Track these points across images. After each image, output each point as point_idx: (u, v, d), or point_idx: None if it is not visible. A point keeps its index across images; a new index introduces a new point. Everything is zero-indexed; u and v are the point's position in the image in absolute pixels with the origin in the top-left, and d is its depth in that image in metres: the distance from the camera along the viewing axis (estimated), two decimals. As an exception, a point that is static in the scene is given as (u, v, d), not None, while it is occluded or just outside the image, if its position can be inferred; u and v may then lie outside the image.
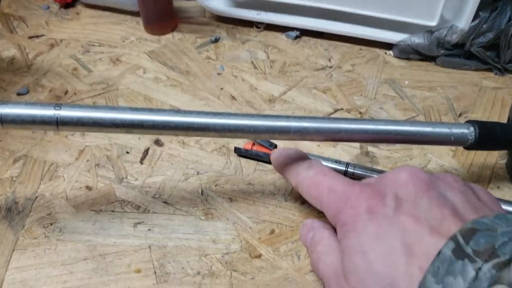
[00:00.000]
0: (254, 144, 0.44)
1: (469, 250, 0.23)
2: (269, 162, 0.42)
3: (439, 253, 0.24)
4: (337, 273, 0.29)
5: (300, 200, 0.41)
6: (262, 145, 0.44)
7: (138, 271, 0.36)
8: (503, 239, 0.23)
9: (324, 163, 0.41)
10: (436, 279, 0.23)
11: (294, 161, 0.36)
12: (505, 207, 0.38)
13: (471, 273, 0.23)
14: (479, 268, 0.23)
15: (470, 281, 0.22)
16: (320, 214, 0.34)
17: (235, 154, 0.44)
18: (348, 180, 0.31)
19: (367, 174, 0.40)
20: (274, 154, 0.38)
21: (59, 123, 0.30)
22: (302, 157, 0.36)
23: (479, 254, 0.23)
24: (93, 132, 0.32)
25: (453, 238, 0.24)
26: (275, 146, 0.44)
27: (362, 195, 0.29)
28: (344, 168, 0.41)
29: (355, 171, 0.41)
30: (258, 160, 0.44)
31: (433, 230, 0.26)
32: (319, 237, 0.32)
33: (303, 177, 0.34)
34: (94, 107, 0.31)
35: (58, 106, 0.30)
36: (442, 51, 0.54)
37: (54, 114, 0.30)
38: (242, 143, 0.45)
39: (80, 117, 0.30)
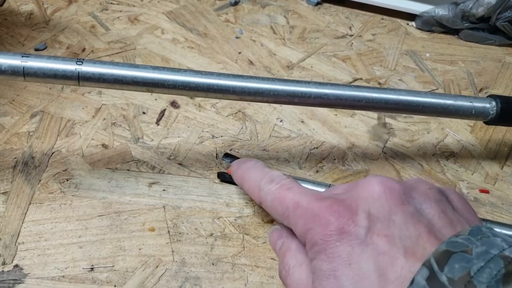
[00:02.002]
0: None
1: (443, 278, 0.22)
2: None
3: (412, 281, 0.23)
4: None
5: (314, 168, 0.41)
6: None
7: (152, 229, 0.36)
8: (478, 263, 0.22)
9: (316, 188, 0.37)
10: None
11: (255, 174, 0.33)
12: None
13: None
14: None
15: None
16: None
17: (251, 120, 0.44)
18: (314, 194, 0.29)
19: None
20: (233, 167, 0.36)
21: (80, 78, 0.30)
22: (263, 169, 0.34)
23: (454, 283, 0.22)
24: (114, 89, 0.32)
25: (427, 264, 0.23)
26: None
27: (332, 213, 0.27)
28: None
29: None
30: None
31: (407, 251, 0.24)
32: (287, 247, 0.31)
33: (266, 192, 0.31)
34: (116, 64, 0.31)
35: (80, 61, 0.30)
36: (466, 24, 0.53)
37: (76, 69, 0.30)
38: (229, 161, 0.40)
39: (101, 73, 0.30)
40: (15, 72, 0.29)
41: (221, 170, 0.40)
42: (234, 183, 0.38)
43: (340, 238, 0.26)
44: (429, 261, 0.23)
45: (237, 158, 0.40)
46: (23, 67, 0.29)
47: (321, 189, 0.36)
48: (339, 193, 0.29)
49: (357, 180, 0.30)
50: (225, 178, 0.40)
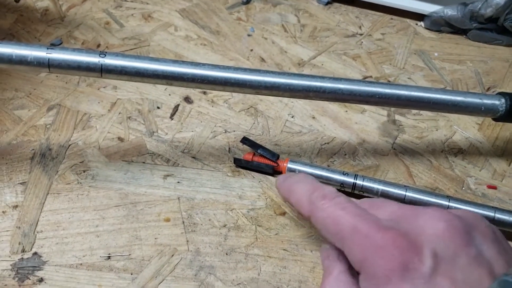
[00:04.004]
0: (254, 154, 0.41)
1: None
2: (271, 174, 0.41)
3: None
4: None
5: (326, 163, 0.42)
6: (264, 156, 0.40)
7: (167, 220, 0.37)
8: None
9: (331, 175, 0.39)
10: None
11: (305, 187, 0.32)
12: None
13: None
14: None
15: None
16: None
17: (263, 115, 0.45)
18: (372, 219, 0.28)
19: (376, 186, 0.38)
20: (279, 179, 0.35)
21: (103, 70, 0.31)
22: (314, 183, 0.32)
23: None
24: (134, 81, 0.33)
25: None
26: (278, 157, 0.40)
27: (396, 247, 0.26)
28: (353, 180, 0.38)
29: (364, 183, 0.38)
30: (259, 172, 0.41)
31: None
32: (329, 271, 0.30)
33: (318, 208, 0.30)
34: (138, 57, 0.32)
35: (103, 53, 0.31)
36: (474, 25, 0.54)
37: (99, 61, 0.31)
38: (242, 154, 0.42)
39: (124, 66, 0.31)
40: (40, 64, 0.30)
41: (237, 156, 0.41)
42: (249, 169, 0.40)
43: (403, 275, 0.25)
44: None
45: (255, 142, 0.41)
46: (48, 59, 0.30)
47: (336, 176, 0.38)
48: (399, 219, 0.28)
49: (414, 207, 0.29)
50: (241, 164, 0.41)
